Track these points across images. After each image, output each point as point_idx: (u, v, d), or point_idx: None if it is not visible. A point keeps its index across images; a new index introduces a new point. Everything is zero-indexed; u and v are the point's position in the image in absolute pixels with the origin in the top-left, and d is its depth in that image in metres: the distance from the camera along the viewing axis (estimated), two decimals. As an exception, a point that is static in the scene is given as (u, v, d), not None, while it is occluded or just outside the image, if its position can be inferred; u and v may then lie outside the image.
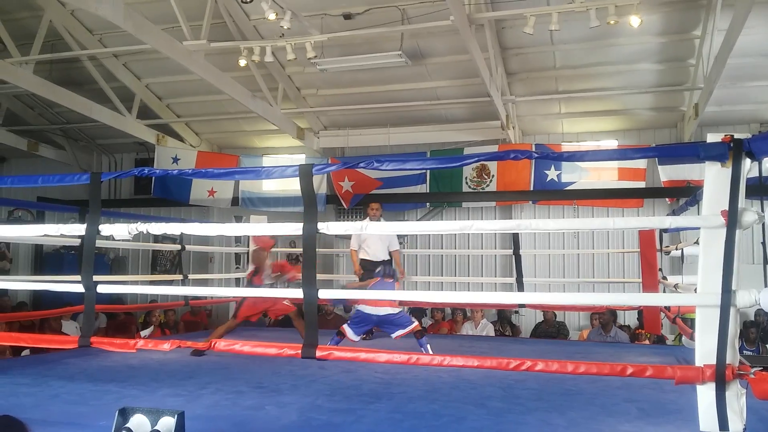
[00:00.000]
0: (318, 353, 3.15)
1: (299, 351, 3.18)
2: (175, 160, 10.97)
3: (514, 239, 7.59)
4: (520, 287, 7.21)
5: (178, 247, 7.70)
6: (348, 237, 9.57)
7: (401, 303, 5.67)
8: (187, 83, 9.97)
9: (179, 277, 7.41)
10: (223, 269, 11.08)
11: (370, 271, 6.35)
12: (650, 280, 6.28)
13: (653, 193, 9.54)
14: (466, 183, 10.20)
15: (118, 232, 3.67)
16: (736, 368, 2.62)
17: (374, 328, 5.80)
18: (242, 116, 10.74)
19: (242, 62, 8.10)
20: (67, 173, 7.94)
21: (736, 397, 2.63)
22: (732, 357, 2.64)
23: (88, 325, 3.84)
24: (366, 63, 8.34)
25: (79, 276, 3.78)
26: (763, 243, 2.77)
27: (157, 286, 9.15)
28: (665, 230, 6.51)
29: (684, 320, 5.74)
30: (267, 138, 11.74)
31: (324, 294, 3.30)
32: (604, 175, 9.64)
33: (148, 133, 10.86)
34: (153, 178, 10.72)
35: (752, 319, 8.40)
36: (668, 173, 9.27)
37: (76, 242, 6.33)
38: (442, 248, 10.72)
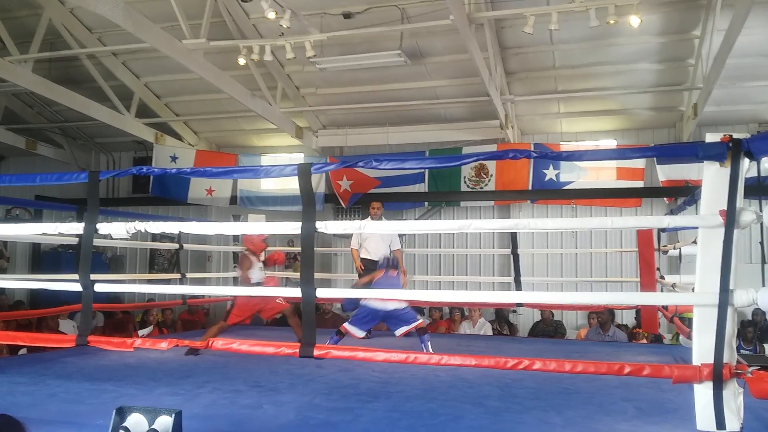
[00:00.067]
0: (316, 352, 3.15)
1: (297, 350, 3.18)
2: (174, 158, 10.96)
3: (513, 238, 7.59)
4: (518, 286, 7.22)
5: (176, 245, 7.70)
6: (346, 236, 9.60)
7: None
8: (186, 82, 9.96)
9: (177, 275, 7.40)
10: (221, 268, 11.06)
11: (370, 270, 6.35)
12: (648, 280, 6.29)
13: (651, 192, 9.54)
14: (465, 182, 10.20)
15: (115, 230, 3.67)
16: (734, 367, 2.63)
17: (373, 327, 5.81)
18: (241, 115, 10.73)
19: (241, 61, 8.09)
20: (65, 172, 7.92)
21: (734, 396, 2.63)
22: (729, 356, 2.64)
23: (85, 323, 3.83)
24: (365, 62, 8.34)
25: (76, 275, 3.78)
26: (761, 242, 2.78)
27: (154, 285, 9.14)
28: (663, 230, 6.52)
29: (681, 319, 5.74)
30: (266, 137, 11.73)
31: (322, 293, 3.31)
32: (602, 174, 9.64)
33: (147, 131, 10.85)
34: (151, 176, 10.70)
35: (749, 318, 8.42)
36: (667, 173, 9.28)
37: (74, 241, 6.32)
38: (440, 247, 10.72)
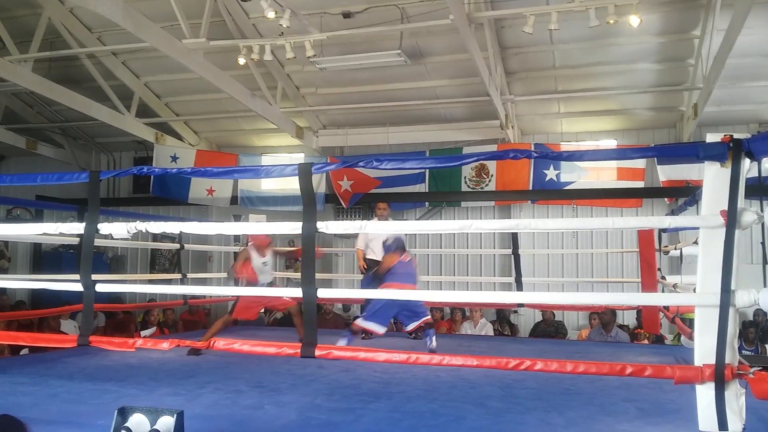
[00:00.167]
0: (317, 352, 3.15)
1: (298, 350, 3.18)
2: (174, 158, 10.96)
3: (513, 239, 7.59)
4: (519, 287, 7.22)
5: (177, 245, 7.70)
6: (347, 236, 9.60)
7: None
8: (186, 82, 9.95)
9: (178, 276, 7.40)
10: (221, 268, 11.05)
11: (370, 280, 6.35)
12: (649, 280, 6.28)
13: (652, 192, 9.54)
14: (465, 182, 10.20)
15: (116, 230, 3.67)
16: (736, 368, 2.62)
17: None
18: (241, 115, 10.73)
19: (241, 61, 8.09)
20: (65, 172, 7.91)
21: (735, 397, 2.63)
22: (731, 357, 2.63)
23: (86, 324, 3.83)
24: (365, 62, 8.34)
25: (77, 275, 3.78)
26: (763, 243, 2.78)
27: (155, 285, 9.14)
28: (664, 230, 6.52)
29: (683, 320, 5.75)
30: (266, 137, 11.73)
31: (323, 293, 3.31)
32: (603, 174, 9.64)
33: (147, 131, 10.85)
34: (152, 176, 10.70)
35: (751, 319, 8.41)
36: (667, 173, 9.28)
37: (75, 241, 6.33)
38: (441, 248, 10.71)
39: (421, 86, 9.70)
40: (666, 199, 9.47)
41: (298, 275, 7.92)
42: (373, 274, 6.08)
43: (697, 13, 7.77)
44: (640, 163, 9.44)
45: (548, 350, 6.01)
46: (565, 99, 9.74)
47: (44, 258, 11.58)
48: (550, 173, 9.77)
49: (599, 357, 4.66)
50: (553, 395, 3.71)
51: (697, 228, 3.00)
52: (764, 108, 9.32)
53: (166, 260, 11.96)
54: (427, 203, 10.72)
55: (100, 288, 3.72)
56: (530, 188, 9.87)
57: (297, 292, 3.25)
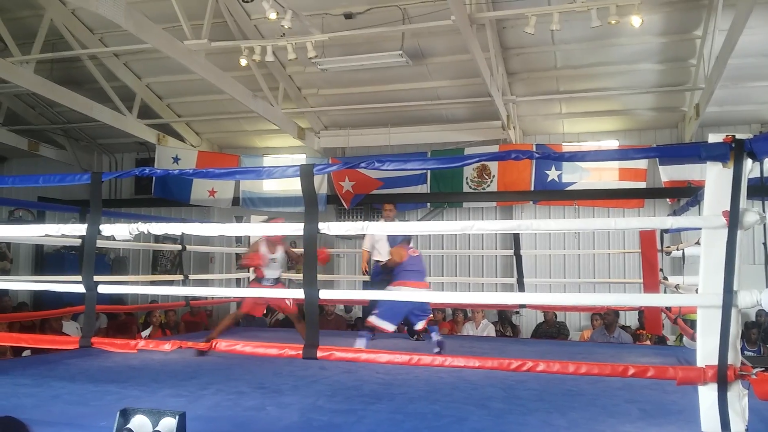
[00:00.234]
0: (319, 354, 3.14)
1: (300, 351, 3.18)
2: (176, 160, 10.97)
3: (515, 239, 7.58)
4: (521, 288, 7.21)
5: (179, 247, 7.70)
6: (349, 237, 9.60)
7: None
8: (188, 83, 9.96)
9: (180, 277, 7.41)
10: (223, 269, 11.08)
11: (379, 273, 6.35)
12: (651, 281, 6.27)
13: (654, 193, 9.53)
14: (467, 183, 10.19)
15: (118, 232, 3.67)
16: (738, 369, 2.62)
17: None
18: (243, 116, 10.74)
19: (243, 62, 8.10)
20: (67, 173, 7.93)
21: (738, 398, 2.62)
22: (734, 358, 2.63)
23: (88, 325, 3.84)
24: (367, 63, 8.34)
25: (79, 276, 3.78)
26: (765, 243, 2.77)
27: (157, 286, 9.14)
28: (666, 231, 6.51)
29: (685, 321, 5.74)
30: (267, 138, 11.74)
31: (325, 294, 3.30)
32: (604, 175, 9.63)
33: (149, 132, 10.86)
34: (154, 178, 10.71)
35: (753, 319, 8.40)
36: (669, 173, 9.27)
37: (77, 242, 6.34)
38: (442, 248, 10.70)
39: (422, 87, 9.70)
40: (668, 199, 9.45)
41: (299, 276, 7.92)
42: (382, 267, 6.10)
43: (699, 13, 7.76)
44: (642, 164, 9.43)
45: (550, 351, 6.01)
46: (566, 99, 9.73)
47: (46, 259, 11.60)
48: (552, 174, 9.76)
49: (601, 358, 4.65)
50: (556, 396, 3.70)
51: (699, 228, 3.00)
52: (766, 108, 9.30)
53: (167, 261, 11.98)
54: (428, 204, 10.72)
55: (102, 289, 3.72)
56: (532, 189, 9.86)
57: (299, 293, 3.25)
